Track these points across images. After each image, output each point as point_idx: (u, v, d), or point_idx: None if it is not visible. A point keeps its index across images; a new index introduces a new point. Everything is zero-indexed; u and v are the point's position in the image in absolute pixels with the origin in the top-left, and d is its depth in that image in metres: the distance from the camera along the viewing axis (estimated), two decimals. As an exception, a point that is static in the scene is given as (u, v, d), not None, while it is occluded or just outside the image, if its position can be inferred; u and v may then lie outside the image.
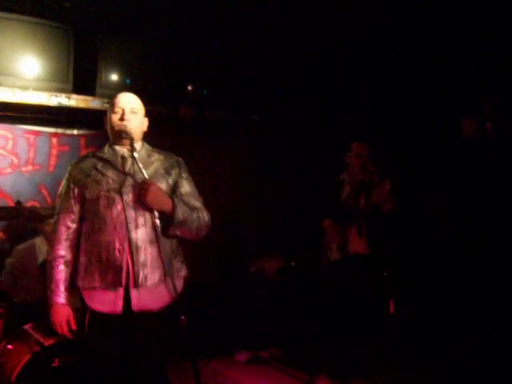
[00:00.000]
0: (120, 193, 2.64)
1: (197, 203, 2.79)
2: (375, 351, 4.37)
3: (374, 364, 4.32)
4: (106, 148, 2.83)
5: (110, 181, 2.68)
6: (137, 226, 2.61)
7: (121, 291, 2.60)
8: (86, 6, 4.98)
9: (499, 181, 4.20)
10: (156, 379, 2.67)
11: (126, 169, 2.71)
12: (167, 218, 2.62)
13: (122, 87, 5.04)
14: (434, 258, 4.55)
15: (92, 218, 2.67)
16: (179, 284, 2.72)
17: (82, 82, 4.97)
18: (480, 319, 4.16)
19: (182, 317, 2.57)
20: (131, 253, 2.59)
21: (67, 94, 4.80)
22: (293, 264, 5.32)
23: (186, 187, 2.81)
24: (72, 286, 2.69)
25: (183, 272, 2.80)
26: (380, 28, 4.79)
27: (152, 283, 2.62)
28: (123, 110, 2.73)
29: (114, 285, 2.60)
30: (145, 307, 2.61)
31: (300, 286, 5.22)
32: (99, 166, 2.74)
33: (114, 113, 2.74)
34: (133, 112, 2.76)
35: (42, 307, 3.84)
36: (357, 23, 4.84)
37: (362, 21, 4.82)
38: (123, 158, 2.75)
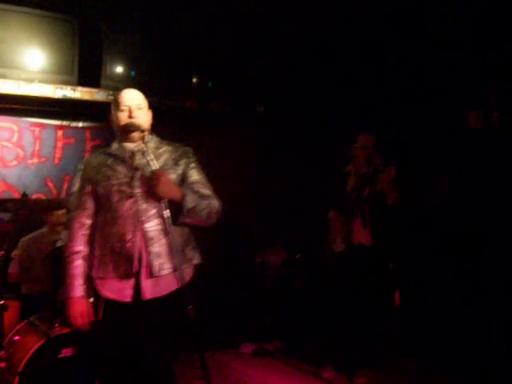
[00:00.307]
0: (131, 186, 2.71)
1: (206, 191, 2.85)
2: (380, 343, 4.36)
3: (379, 356, 4.32)
4: (115, 144, 2.87)
5: (121, 175, 2.74)
6: (148, 218, 2.68)
7: (132, 281, 2.67)
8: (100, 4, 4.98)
9: (504, 172, 4.19)
10: (162, 367, 2.71)
11: (136, 163, 2.76)
12: (177, 207, 2.66)
13: (127, 79, 5.06)
14: (436, 248, 4.54)
15: (105, 212, 2.74)
16: (190, 272, 2.82)
17: (87, 74, 4.95)
18: (485, 312, 4.16)
19: (190, 306, 2.63)
20: (144, 243, 2.66)
21: (72, 87, 4.79)
22: (298, 256, 5.32)
23: (194, 176, 2.86)
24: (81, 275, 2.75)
25: (196, 260, 2.87)
26: (384, 21, 4.76)
27: (165, 272, 2.68)
28: (130, 108, 2.77)
29: (127, 274, 2.67)
30: (155, 296, 2.67)
31: (305, 278, 5.23)
32: (109, 161, 2.80)
33: (121, 111, 2.78)
34: (139, 108, 2.80)
35: (48, 298, 3.90)
36: (360, 19, 4.82)
37: (365, 17, 4.79)
38: (132, 152, 2.80)
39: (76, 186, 2.85)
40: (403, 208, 4.07)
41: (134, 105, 2.78)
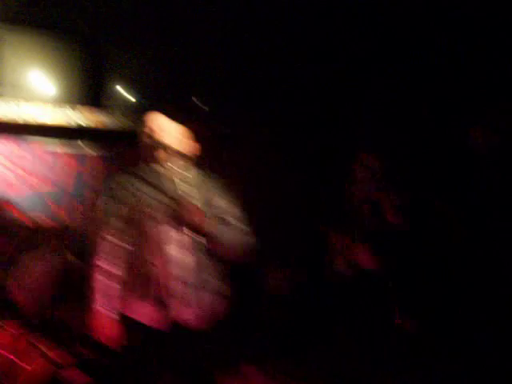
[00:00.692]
0: (159, 211, 2.72)
1: (236, 222, 2.87)
2: (380, 361, 4.32)
3: (379, 374, 4.27)
4: (143, 167, 2.90)
5: (150, 199, 2.76)
6: (177, 244, 2.70)
7: (164, 308, 2.69)
8: (99, 21, 5.05)
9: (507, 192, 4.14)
10: None
11: (165, 187, 2.78)
12: (203, 237, 2.72)
13: (135, 103, 5.13)
14: (439, 266, 4.49)
15: (133, 235, 2.76)
16: (217, 301, 2.84)
17: (99, 101, 5.04)
18: (489, 333, 4.10)
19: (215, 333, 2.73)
20: (171, 270, 2.68)
21: (83, 113, 4.86)
22: (299, 276, 5.30)
23: (222, 203, 2.89)
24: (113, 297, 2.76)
25: (222, 289, 2.88)
26: (386, 34, 4.76)
27: (191, 300, 2.71)
28: (157, 131, 2.83)
29: (153, 299, 2.69)
30: (183, 322, 2.70)
31: (306, 298, 5.20)
32: (139, 184, 2.82)
33: (151, 134, 2.83)
34: (168, 131, 2.85)
35: (52, 320, 3.95)
36: (367, 33, 4.83)
37: (372, 31, 4.80)
38: (160, 176, 2.83)
39: (105, 206, 2.86)
40: (405, 229, 4.05)
41: (162, 127, 2.84)
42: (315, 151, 5.64)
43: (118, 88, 5.10)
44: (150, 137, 2.84)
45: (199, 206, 2.74)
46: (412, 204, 4.24)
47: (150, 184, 2.79)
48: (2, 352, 3.63)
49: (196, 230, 2.69)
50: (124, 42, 5.17)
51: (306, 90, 5.49)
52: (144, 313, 2.72)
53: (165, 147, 2.79)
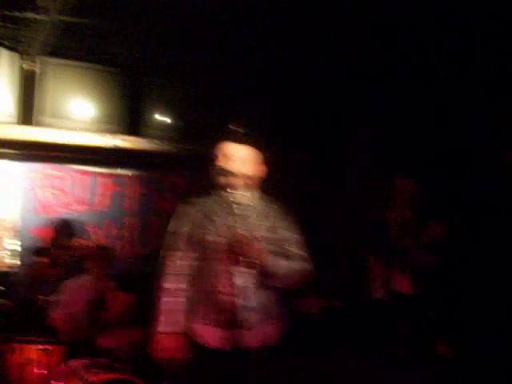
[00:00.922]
0: (227, 238, 2.75)
1: (296, 250, 2.88)
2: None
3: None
4: (215, 194, 2.93)
5: (218, 225, 2.81)
6: (242, 272, 2.71)
7: (227, 331, 2.70)
8: (137, 52, 5.17)
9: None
10: None
11: (233, 215, 2.81)
12: (265, 271, 2.75)
13: (174, 130, 5.22)
14: (482, 296, 4.41)
15: (201, 258, 2.82)
16: (278, 326, 2.86)
17: (134, 124, 5.13)
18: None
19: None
20: (236, 296, 2.69)
21: (118, 135, 4.95)
22: (336, 303, 5.25)
23: (285, 233, 2.90)
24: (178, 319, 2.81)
25: (282, 315, 2.91)
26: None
27: (255, 326, 2.72)
28: (236, 160, 2.85)
29: (221, 325, 2.72)
30: (248, 347, 2.70)
31: (343, 326, 5.14)
32: (209, 210, 2.88)
33: (223, 161, 2.86)
34: (245, 160, 2.88)
35: (89, 344, 3.94)
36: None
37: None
38: (230, 204, 2.84)
39: (176, 227, 2.89)
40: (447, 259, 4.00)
41: (235, 156, 2.86)
42: (351, 176, 5.64)
43: (157, 115, 5.18)
44: (217, 163, 2.87)
45: (260, 234, 2.80)
46: (449, 232, 4.19)
47: (218, 211, 2.85)
48: (45, 375, 3.64)
49: (255, 260, 2.73)
50: (163, 70, 5.26)
51: (344, 115, 5.52)
52: (207, 334, 2.76)
53: (231, 173, 2.82)
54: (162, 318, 2.74)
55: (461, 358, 4.30)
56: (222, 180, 2.85)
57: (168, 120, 5.25)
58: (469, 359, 4.32)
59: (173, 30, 4.68)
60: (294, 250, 2.88)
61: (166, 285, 2.78)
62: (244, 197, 2.86)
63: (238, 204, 2.86)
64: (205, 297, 2.78)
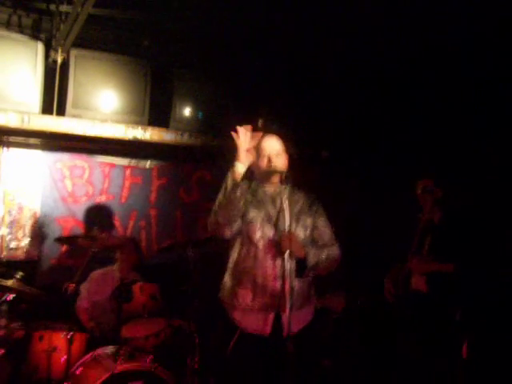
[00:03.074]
0: (274, 228, 2.95)
1: (330, 237, 3.12)
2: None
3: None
4: (254, 185, 3.07)
5: (265, 213, 2.98)
6: (287, 258, 2.85)
7: (272, 315, 2.90)
8: (163, 44, 5.19)
9: None
10: None
11: (277, 206, 2.99)
12: (301, 262, 2.92)
13: (195, 121, 5.22)
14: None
15: (247, 244, 2.99)
16: (312, 310, 3.14)
17: (157, 116, 5.14)
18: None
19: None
20: (282, 281, 2.87)
21: (143, 127, 4.96)
22: (360, 302, 5.24)
23: (322, 221, 3.12)
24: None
25: (315, 299, 3.19)
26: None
27: (297, 308, 2.91)
28: (269, 155, 2.99)
29: (268, 309, 2.90)
30: (291, 330, 2.80)
31: (366, 325, 5.13)
32: (254, 200, 3.02)
33: (262, 157, 2.99)
34: (278, 154, 3.01)
35: (112, 333, 3.98)
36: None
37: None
38: (272, 196, 3.03)
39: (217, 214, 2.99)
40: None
41: (274, 152, 2.99)
42: (378, 176, 5.61)
43: (184, 108, 5.18)
44: (251, 158, 2.94)
45: (297, 224, 2.99)
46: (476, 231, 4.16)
47: (262, 201, 3.01)
48: (70, 362, 3.68)
49: (296, 253, 2.89)
50: (190, 62, 5.27)
51: (374, 113, 5.49)
52: (249, 319, 2.92)
53: (267, 167, 2.95)
54: None
55: (483, 359, 4.29)
56: (258, 174, 2.90)
57: (194, 113, 5.25)
58: (491, 361, 4.31)
59: (200, 21, 4.70)
60: (326, 236, 3.10)
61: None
62: (278, 189, 2.97)
63: (275, 197, 3.01)
64: (252, 282, 2.92)
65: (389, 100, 5.36)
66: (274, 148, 3.01)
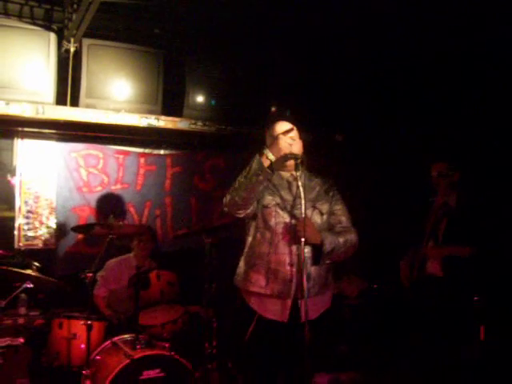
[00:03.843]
0: (290, 213, 2.96)
1: (347, 222, 3.12)
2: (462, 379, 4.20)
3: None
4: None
5: (281, 199, 2.99)
6: (304, 244, 2.84)
7: (289, 301, 2.91)
8: (175, 32, 5.18)
9: None
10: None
11: (293, 192, 3.01)
12: (318, 249, 2.93)
13: (208, 109, 5.22)
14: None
15: (262, 230, 3.00)
16: (330, 295, 3.15)
17: (171, 104, 5.15)
18: None
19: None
20: (299, 267, 2.86)
21: (156, 116, 4.97)
22: (375, 286, 5.24)
23: (339, 206, 3.13)
24: None
25: (333, 285, 3.18)
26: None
27: (314, 295, 2.93)
28: (279, 140, 2.92)
29: (284, 295, 2.90)
30: (308, 316, 2.81)
31: (382, 310, 5.14)
32: (272, 186, 3.03)
33: (277, 142, 2.92)
34: (293, 139, 2.99)
35: (131, 321, 4.02)
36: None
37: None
38: (288, 182, 3.05)
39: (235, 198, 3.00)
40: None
41: (289, 136, 2.96)
42: (393, 160, 5.58)
43: (197, 96, 5.18)
44: (266, 144, 2.95)
45: (314, 210, 3.01)
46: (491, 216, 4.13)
47: (278, 186, 3.03)
48: (89, 349, 3.72)
49: (313, 241, 2.90)
50: (204, 54, 5.26)
51: (389, 98, 5.46)
52: (268, 306, 2.93)
53: (283, 154, 2.89)
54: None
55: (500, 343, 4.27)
56: (275, 161, 2.88)
57: (207, 101, 5.25)
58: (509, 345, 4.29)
59: (213, 9, 4.67)
60: (343, 221, 3.10)
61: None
62: (295, 175, 2.93)
63: (291, 183, 3.02)
64: (266, 267, 2.92)
65: (404, 82, 5.32)
66: (288, 133, 2.99)
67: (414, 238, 4.26)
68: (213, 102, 5.26)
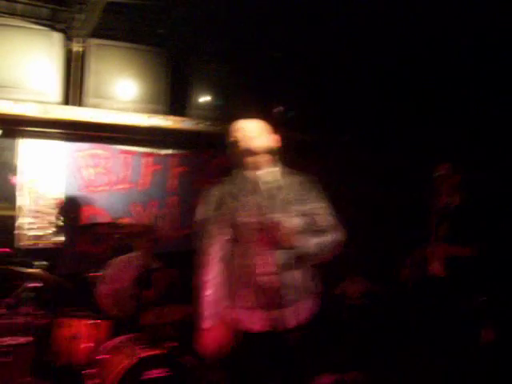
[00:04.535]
0: (261, 219, 2.72)
1: (330, 223, 2.88)
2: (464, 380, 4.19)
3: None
4: (237, 175, 2.92)
5: (247, 206, 2.77)
6: (279, 251, 2.71)
7: (269, 311, 2.70)
8: (180, 32, 5.18)
9: None
10: None
11: (260, 194, 2.79)
12: (298, 251, 2.74)
13: (214, 108, 5.23)
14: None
15: (236, 242, 2.79)
16: (315, 301, 2.90)
17: (176, 104, 5.17)
18: None
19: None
20: (275, 275, 2.68)
21: (162, 116, 4.98)
22: (377, 287, 5.23)
23: (320, 207, 2.89)
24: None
25: (318, 289, 2.94)
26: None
27: (298, 301, 2.77)
28: (247, 137, 2.81)
29: (264, 306, 2.71)
30: (289, 325, 2.72)
31: (384, 310, 5.13)
32: (236, 191, 2.84)
33: (240, 140, 2.81)
34: (257, 136, 2.83)
35: (133, 320, 4.03)
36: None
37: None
38: (256, 183, 2.82)
39: (209, 212, 2.85)
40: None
41: (252, 134, 2.82)
42: (395, 162, 5.58)
43: (202, 96, 5.20)
44: (237, 144, 2.82)
45: (290, 209, 2.78)
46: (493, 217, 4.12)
47: (246, 192, 2.81)
48: (92, 349, 3.73)
49: (287, 244, 2.71)
50: (210, 54, 5.26)
51: (390, 104, 5.45)
52: (249, 318, 2.75)
53: (252, 151, 2.79)
54: (207, 312, 2.71)
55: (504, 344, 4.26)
56: (244, 159, 2.81)
57: (212, 101, 5.26)
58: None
59: (218, 10, 4.67)
60: (325, 220, 2.87)
61: (204, 277, 2.75)
62: (268, 173, 2.82)
63: (263, 182, 2.82)
64: (243, 279, 2.74)
65: (407, 82, 5.31)
66: (251, 130, 2.84)
67: (416, 239, 4.26)
68: (219, 103, 5.26)
